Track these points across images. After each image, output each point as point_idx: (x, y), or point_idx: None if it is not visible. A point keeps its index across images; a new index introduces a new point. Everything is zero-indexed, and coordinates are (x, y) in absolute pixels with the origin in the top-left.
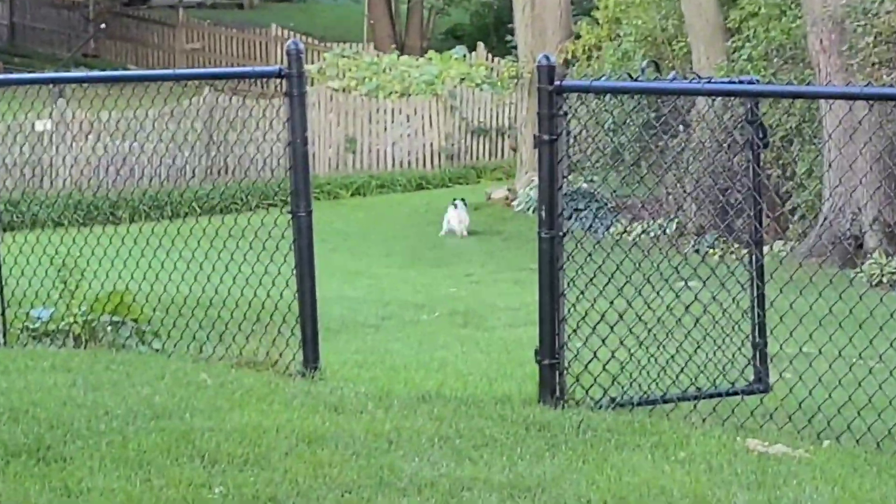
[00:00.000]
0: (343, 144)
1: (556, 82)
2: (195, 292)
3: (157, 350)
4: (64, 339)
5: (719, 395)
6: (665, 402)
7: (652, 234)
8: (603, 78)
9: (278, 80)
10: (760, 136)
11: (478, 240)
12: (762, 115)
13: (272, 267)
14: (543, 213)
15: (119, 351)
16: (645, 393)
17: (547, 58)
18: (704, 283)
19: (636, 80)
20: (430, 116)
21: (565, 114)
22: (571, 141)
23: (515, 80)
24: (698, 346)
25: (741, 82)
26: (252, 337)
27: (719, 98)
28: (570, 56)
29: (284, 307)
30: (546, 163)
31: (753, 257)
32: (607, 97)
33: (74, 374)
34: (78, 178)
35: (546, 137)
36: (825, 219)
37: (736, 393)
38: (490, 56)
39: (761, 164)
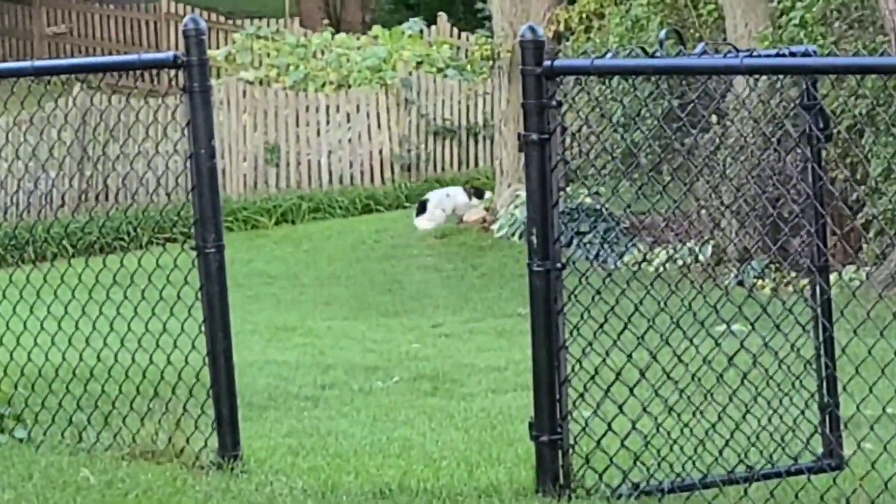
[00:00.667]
0: (262, 155)
1: (546, 62)
2: (70, 360)
3: (22, 440)
4: None
5: (778, 474)
6: (705, 486)
7: (681, 261)
8: (608, 55)
9: (173, 72)
10: (821, 126)
11: (447, 277)
12: (822, 98)
13: (173, 323)
14: (535, 239)
15: None
16: (678, 476)
17: (532, 30)
18: (753, 325)
19: (653, 56)
20: (378, 114)
21: (559, 104)
22: (569, 141)
23: (491, 63)
24: (747, 411)
25: (792, 54)
26: (149, 418)
27: (764, 78)
28: (562, 27)
29: (191, 377)
30: (536, 171)
31: (817, 289)
32: (615, 80)
33: None
34: None
35: (535, 137)
36: None
37: (800, 472)
38: (456, 31)
39: (823, 163)
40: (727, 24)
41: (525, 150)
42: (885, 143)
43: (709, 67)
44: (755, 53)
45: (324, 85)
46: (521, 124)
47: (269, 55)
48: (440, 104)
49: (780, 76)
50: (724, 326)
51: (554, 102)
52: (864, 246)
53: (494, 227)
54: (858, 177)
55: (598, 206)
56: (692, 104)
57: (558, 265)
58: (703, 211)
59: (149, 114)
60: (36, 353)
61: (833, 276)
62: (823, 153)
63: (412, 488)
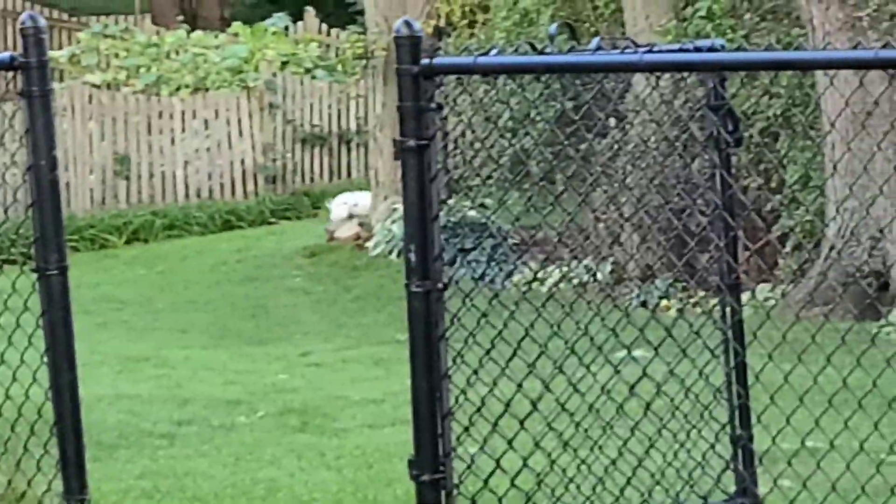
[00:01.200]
0: (111, 167)
1: (425, 60)
2: None
3: None
4: None
5: None
6: None
7: (576, 281)
8: (493, 52)
9: (9, 75)
10: (730, 129)
11: (317, 301)
12: (731, 97)
13: (11, 353)
14: (413, 257)
15: None
16: None
17: (408, 24)
18: (656, 350)
19: (542, 52)
20: (240, 120)
21: (440, 107)
22: (451, 147)
23: (364, 62)
24: (651, 445)
25: (698, 49)
26: None
27: (666, 76)
28: (443, 22)
29: (33, 413)
30: (414, 181)
31: (727, 310)
32: (501, 80)
33: None
34: None
35: (412, 143)
36: (831, 248)
37: None
38: (325, 27)
39: (733, 170)
40: (626, 16)
41: (402, 158)
42: (802, 147)
43: (605, 64)
44: (656, 49)
45: (179, 88)
46: (398, 130)
47: (117, 56)
48: (308, 108)
49: (685, 73)
50: (624, 352)
51: (433, 105)
52: (780, 262)
53: (370, 244)
54: (773, 185)
55: (483, 220)
56: (587, 106)
57: (439, 285)
58: (601, 224)
59: None
60: None
61: (745, 296)
62: (733, 159)
63: None
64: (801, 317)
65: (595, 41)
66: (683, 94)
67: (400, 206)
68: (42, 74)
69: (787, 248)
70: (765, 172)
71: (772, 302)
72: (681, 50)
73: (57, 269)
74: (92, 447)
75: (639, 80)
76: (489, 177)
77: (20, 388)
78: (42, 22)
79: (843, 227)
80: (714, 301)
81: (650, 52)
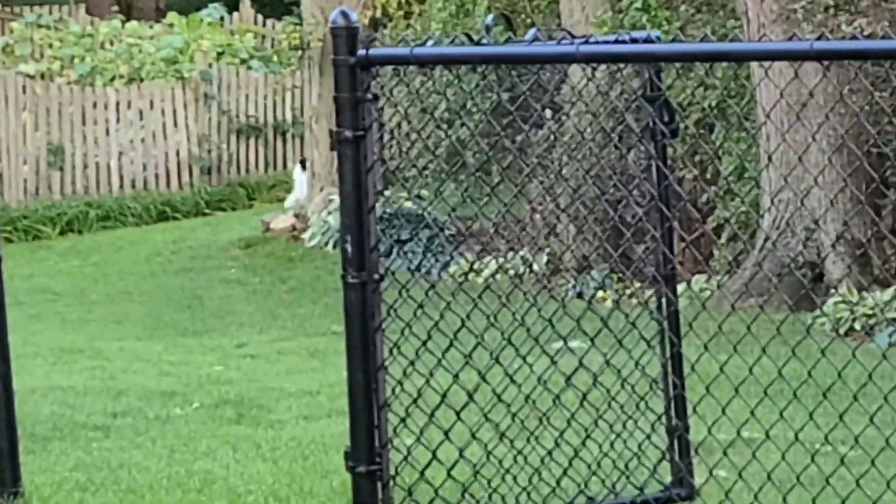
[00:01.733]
0: (45, 157)
1: (361, 51)
2: None
3: None
4: None
5: None
6: None
7: (512, 272)
8: (430, 42)
9: None
10: (665, 119)
11: (253, 292)
12: (667, 89)
13: None
14: (349, 248)
15: None
16: None
17: (345, 15)
18: (592, 341)
19: (479, 43)
20: (175, 111)
21: (376, 97)
22: (387, 139)
23: (300, 53)
24: (587, 436)
25: (634, 41)
26: None
27: (602, 67)
28: (379, 13)
29: None
30: (350, 172)
31: (663, 300)
32: (437, 71)
33: None
34: None
35: (348, 134)
36: (766, 239)
37: (647, 502)
38: (261, 18)
39: (668, 161)
40: (562, 7)
41: (338, 149)
42: (737, 138)
43: (541, 55)
44: (592, 40)
45: (113, 79)
46: (334, 121)
47: (51, 46)
48: (244, 99)
49: (621, 65)
50: (560, 343)
51: (370, 95)
52: (716, 252)
53: (305, 235)
54: (709, 176)
55: (419, 212)
56: (523, 97)
57: (375, 276)
58: (537, 215)
59: None
60: None
61: (681, 287)
62: (669, 150)
63: None
64: (736, 308)
65: (531, 32)
66: (619, 86)
67: (336, 198)
68: None
69: (723, 240)
70: (700, 164)
71: (707, 293)
72: (617, 41)
73: None
74: (25, 439)
75: (574, 71)
76: (425, 168)
77: None
78: None
79: (778, 218)
80: (650, 292)
81: (586, 43)
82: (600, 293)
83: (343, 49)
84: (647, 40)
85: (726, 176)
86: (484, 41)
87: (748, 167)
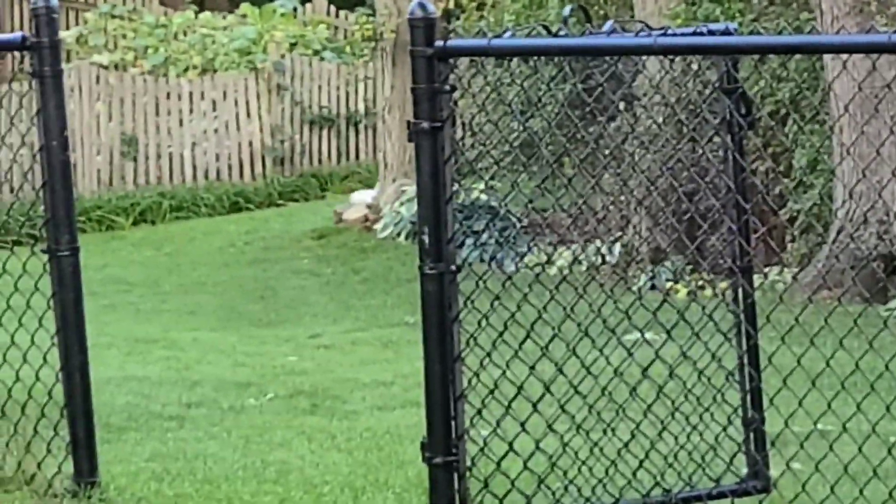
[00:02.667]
0: (118, 148)
1: (439, 42)
2: None
3: None
4: None
5: (698, 498)
6: None
7: (587, 263)
8: (507, 34)
9: (20, 55)
10: (742, 112)
11: (326, 283)
12: (743, 81)
13: (22, 335)
14: (427, 239)
15: None
16: (588, 500)
17: (422, 6)
18: (669, 333)
19: (556, 34)
20: (248, 102)
21: (453, 89)
22: (461, 130)
23: (373, 44)
24: (664, 428)
25: (711, 33)
26: None
27: (678, 59)
28: (452, 4)
29: (43, 395)
30: (428, 163)
31: (740, 292)
32: (514, 62)
33: None
34: None
35: (426, 125)
36: (840, 231)
37: (723, 495)
38: (333, 9)
39: (744, 153)
40: (635, 0)
41: (415, 140)
42: (811, 131)
43: (619, 47)
44: (669, 32)
45: (186, 69)
46: (408, 112)
47: (125, 36)
48: (316, 90)
49: (697, 57)
50: (636, 334)
51: (447, 87)
52: (790, 245)
53: (378, 226)
54: (782, 169)
55: (494, 203)
56: (599, 88)
57: (452, 268)
58: (612, 207)
59: None
60: None
61: (756, 278)
62: (745, 142)
63: None
64: (813, 300)
65: (609, 24)
66: (694, 78)
67: (409, 189)
68: (54, 55)
69: (796, 232)
70: (773, 157)
71: (782, 286)
72: (694, 33)
73: (68, 250)
74: (101, 429)
75: (652, 63)
76: (501, 160)
77: (30, 371)
78: (54, 2)
79: (853, 210)
80: (725, 284)
81: (664, 35)
82: (675, 285)
83: (420, 40)
84: (725, 32)
85: (799, 169)
86: (561, 33)
87: (822, 161)
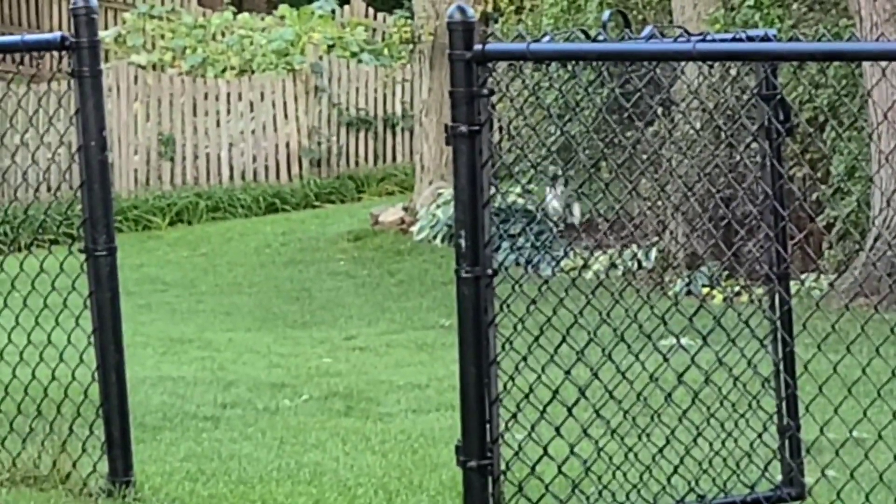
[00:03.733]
0: (156, 148)
1: (477, 46)
2: None
3: None
4: None
5: None
6: None
7: (623, 268)
8: (545, 38)
9: (59, 55)
10: (781, 118)
11: (361, 285)
12: (782, 87)
13: (58, 334)
14: (463, 243)
15: None
16: None
17: (461, 10)
18: (705, 339)
19: (595, 39)
20: (285, 103)
21: (491, 92)
22: (498, 134)
23: (411, 46)
24: (699, 434)
25: (750, 39)
26: (31, 440)
27: (716, 64)
28: (490, 8)
29: (79, 394)
30: (465, 167)
31: (776, 299)
32: (552, 67)
33: None
34: None
35: (464, 129)
36: (877, 239)
37: (757, 501)
38: (372, 11)
39: (782, 160)
40: (673, 5)
41: (453, 144)
42: (849, 138)
43: (658, 53)
44: (708, 38)
45: (224, 70)
46: (445, 115)
47: (163, 37)
48: (354, 92)
49: (736, 64)
50: (672, 340)
51: (485, 91)
52: (827, 252)
53: (414, 228)
54: (819, 175)
55: (531, 207)
56: (638, 93)
57: (489, 271)
58: (649, 212)
59: (32, 101)
60: None
61: (794, 285)
62: (783, 148)
63: None
64: (849, 307)
65: (648, 29)
66: (732, 84)
67: (445, 191)
68: (93, 55)
69: (834, 238)
70: (811, 163)
71: (819, 292)
72: (733, 39)
73: (105, 249)
74: (136, 429)
75: (690, 69)
76: (538, 164)
77: (66, 370)
78: (94, 2)
79: (891, 217)
80: (762, 290)
81: (703, 40)
82: (712, 291)
83: (459, 44)
84: (764, 38)
85: (837, 176)
86: (600, 38)
87: (859, 168)
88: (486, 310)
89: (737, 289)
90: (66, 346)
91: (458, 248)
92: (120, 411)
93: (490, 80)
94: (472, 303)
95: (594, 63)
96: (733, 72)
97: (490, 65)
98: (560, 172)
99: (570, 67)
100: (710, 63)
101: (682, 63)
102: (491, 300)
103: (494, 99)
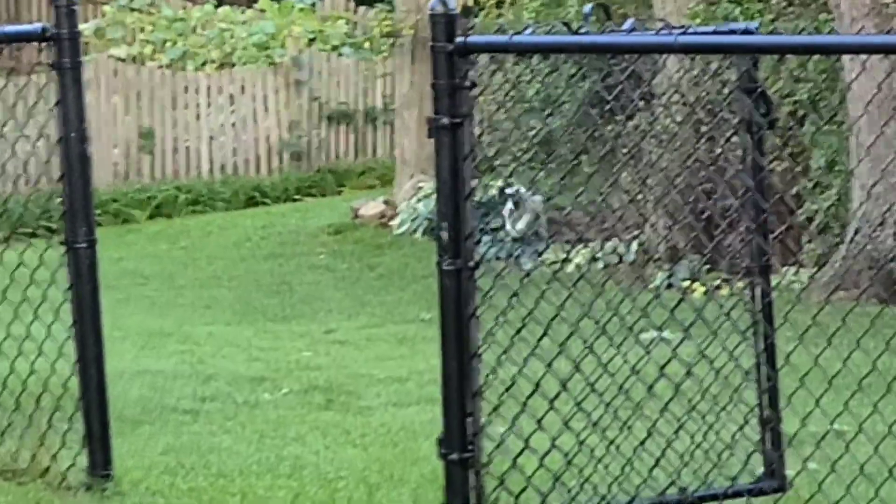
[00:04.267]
0: (135, 141)
1: (459, 38)
2: None
3: None
4: None
5: (714, 497)
6: None
7: (604, 261)
8: (527, 31)
9: (39, 48)
10: (763, 111)
11: (341, 278)
12: (763, 81)
13: (37, 327)
14: (445, 235)
15: None
16: (603, 498)
17: (444, 2)
18: (686, 331)
19: (577, 32)
20: (266, 96)
21: (473, 85)
22: (483, 126)
23: (392, 40)
24: (680, 426)
25: (732, 32)
26: (9, 433)
27: (698, 58)
28: (471, 1)
29: (58, 387)
30: (447, 159)
31: (757, 292)
32: (534, 59)
33: None
34: None
35: (446, 121)
36: (856, 232)
37: (739, 494)
38: (352, 5)
39: (764, 153)
40: None
41: (435, 136)
42: (828, 132)
43: (640, 45)
44: (690, 31)
45: (204, 63)
46: (426, 109)
47: (143, 30)
48: (334, 86)
49: (717, 57)
50: (653, 333)
51: (467, 84)
52: (806, 245)
53: (394, 222)
54: (800, 169)
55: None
56: (619, 86)
57: (471, 264)
58: (630, 205)
59: (11, 94)
60: None
61: (775, 278)
62: (765, 142)
63: None
64: (830, 300)
65: (629, 22)
66: (714, 77)
67: (426, 185)
68: (74, 46)
69: (813, 232)
70: (791, 157)
71: (798, 286)
72: (715, 32)
73: (85, 242)
74: (115, 422)
75: (672, 62)
76: (520, 157)
77: (46, 363)
78: None
79: (869, 212)
80: (742, 284)
81: (684, 33)
82: (693, 284)
83: (441, 36)
84: (746, 32)
85: (817, 169)
86: (583, 30)
87: (839, 161)
88: (468, 302)
89: (718, 282)
90: (46, 339)
91: (440, 241)
92: (99, 405)
93: (472, 72)
94: (453, 295)
95: (575, 57)
96: (714, 65)
97: (472, 57)
98: (540, 175)
99: (552, 60)
100: (690, 56)
101: (664, 56)
102: (472, 293)
103: (475, 93)
